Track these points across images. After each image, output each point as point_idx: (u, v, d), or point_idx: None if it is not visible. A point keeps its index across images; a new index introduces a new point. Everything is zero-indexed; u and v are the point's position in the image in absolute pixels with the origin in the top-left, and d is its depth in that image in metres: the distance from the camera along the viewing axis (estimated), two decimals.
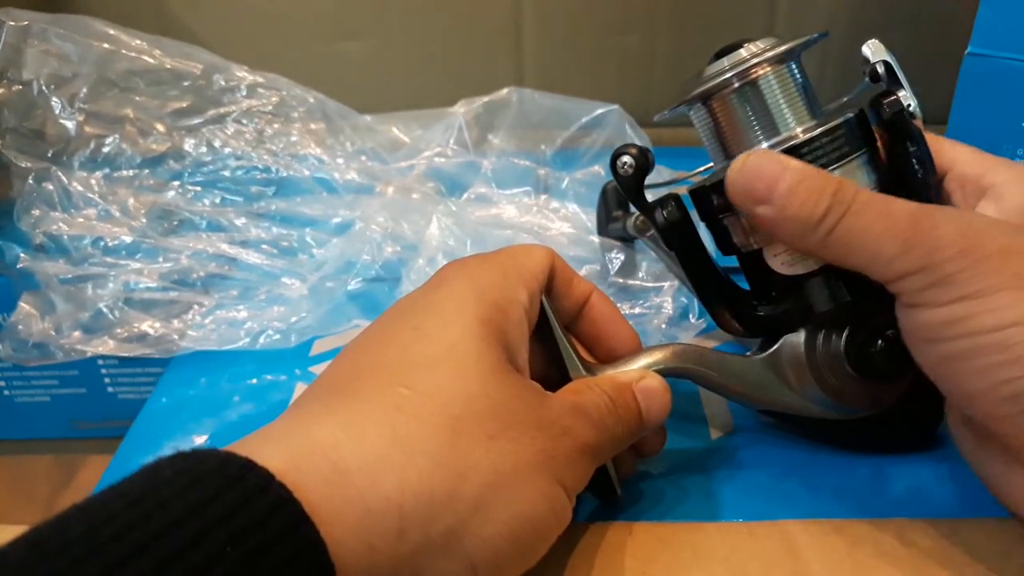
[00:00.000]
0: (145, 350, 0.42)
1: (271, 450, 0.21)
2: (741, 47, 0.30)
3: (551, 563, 0.27)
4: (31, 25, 0.43)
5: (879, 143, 0.30)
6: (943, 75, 0.42)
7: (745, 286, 0.32)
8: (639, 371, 0.29)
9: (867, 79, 0.31)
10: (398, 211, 0.45)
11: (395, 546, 0.21)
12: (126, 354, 0.42)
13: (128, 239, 0.44)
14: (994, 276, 0.24)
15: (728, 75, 0.29)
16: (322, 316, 0.42)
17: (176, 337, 0.42)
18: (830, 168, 0.29)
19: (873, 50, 0.30)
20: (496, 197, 0.47)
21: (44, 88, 0.43)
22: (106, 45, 0.44)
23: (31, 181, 0.43)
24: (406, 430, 0.23)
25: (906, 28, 0.60)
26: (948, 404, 0.30)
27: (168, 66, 0.45)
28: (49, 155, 0.44)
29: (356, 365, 0.26)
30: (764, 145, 0.29)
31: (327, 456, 0.21)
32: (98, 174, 0.45)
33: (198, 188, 0.46)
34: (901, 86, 0.29)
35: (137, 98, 0.45)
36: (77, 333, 0.42)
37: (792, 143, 0.29)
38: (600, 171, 0.49)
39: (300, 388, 0.39)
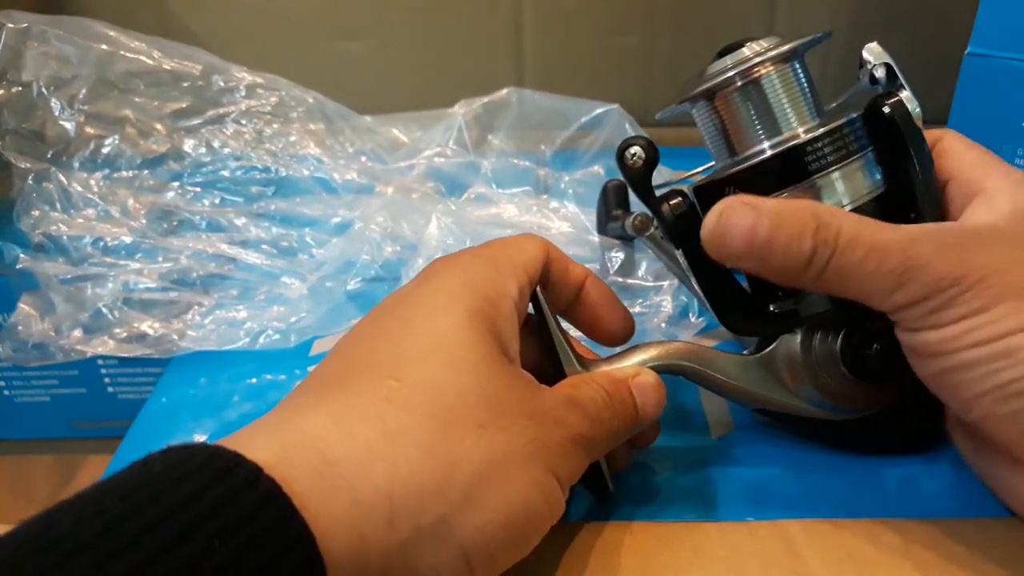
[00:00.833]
0: (145, 350, 0.42)
1: (260, 443, 0.21)
2: (744, 46, 0.30)
3: (550, 562, 0.27)
4: (31, 27, 0.43)
5: (880, 144, 0.30)
6: (943, 75, 0.42)
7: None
8: (635, 367, 0.29)
9: (865, 81, 0.31)
10: (398, 211, 0.45)
11: (386, 536, 0.21)
12: (126, 354, 0.42)
13: (128, 239, 0.44)
14: (990, 292, 0.24)
15: (731, 73, 0.29)
16: (322, 316, 0.42)
17: (176, 337, 0.42)
18: (832, 169, 0.29)
19: (873, 53, 0.30)
20: (496, 197, 0.47)
21: (44, 89, 0.44)
22: (105, 46, 0.44)
23: (31, 182, 0.44)
24: (396, 421, 0.23)
25: (906, 28, 0.60)
26: (948, 411, 0.30)
27: (167, 67, 0.45)
28: (49, 156, 0.44)
29: (347, 359, 0.26)
30: (766, 145, 0.29)
31: (316, 447, 0.21)
32: (98, 175, 0.45)
33: (198, 188, 0.46)
34: (903, 87, 0.29)
35: (136, 99, 0.45)
36: (77, 333, 0.42)
37: (794, 143, 0.29)
38: (600, 171, 0.49)
39: None
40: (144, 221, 0.44)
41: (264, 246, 0.45)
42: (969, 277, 0.25)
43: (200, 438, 0.36)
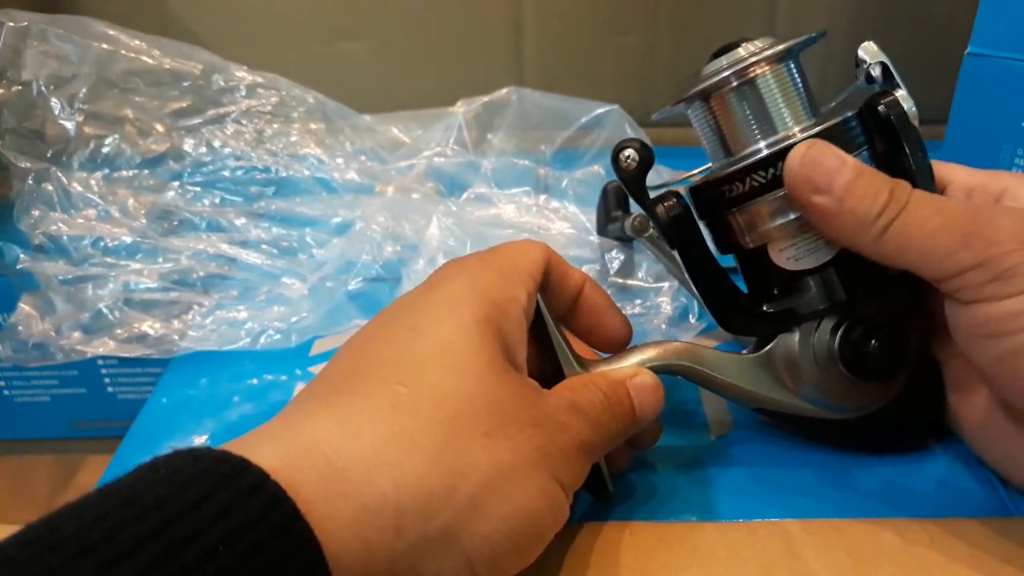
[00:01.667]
0: (145, 350, 0.42)
1: (266, 448, 0.21)
2: (739, 46, 0.30)
3: (550, 562, 0.27)
4: (30, 26, 0.43)
5: (876, 143, 0.30)
6: (943, 75, 0.42)
7: (743, 287, 0.32)
8: (632, 367, 0.29)
9: (862, 80, 0.31)
10: (398, 211, 0.45)
11: (392, 543, 0.21)
12: (126, 355, 0.42)
13: (128, 239, 0.44)
14: None
15: (726, 74, 0.29)
16: (322, 316, 0.42)
17: (176, 337, 0.42)
18: None
19: (869, 52, 0.30)
20: (496, 197, 0.47)
21: (43, 88, 0.44)
22: (105, 45, 0.44)
23: (31, 181, 0.43)
24: (402, 427, 0.23)
25: (906, 28, 0.60)
26: (950, 399, 0.30)
27: (167, 66, 0.45)
28: (49, 155, 0.44)
29: (353, 364, 0.26)
30: (762, 144, 0.29)
31: (322, 452, 0.21)
32: (98, 174, 0.45)
33: (198, 188, 0.46)
34: (898, 86, 0.29)
35: (136, 98, 0.45)
36: (77, 334, 0.42)
37: (789, 142, 0.29)
38: (600, 171, 0.49)
39: (300, 388, 0.39)
40: (144, 221, 0.44)
41: (264, 246, 0.45)
42: None
43: (200, 438, 0.36)
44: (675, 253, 0.31)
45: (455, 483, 0.22)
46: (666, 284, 0.41)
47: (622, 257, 0.41)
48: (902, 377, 0.30)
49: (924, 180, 0.29)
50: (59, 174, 0.44)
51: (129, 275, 0.43)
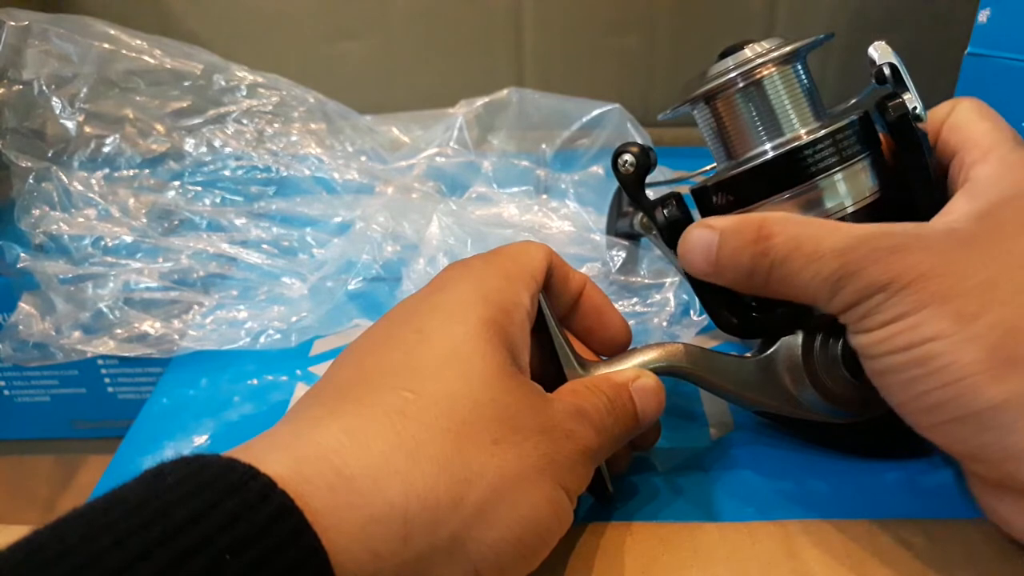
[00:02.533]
0: (145, 350, 0.42)
1: (273, 456, 0.21)
2: (746, 47, 0.30)
3: (552, 563, 0.27)
4: (31, 25, 0.43)
5: (884, 146, 0.30)
6: (943, 75, 0.42)
7: None
8: (634, 370, 0.29)
9: (873, 81, 0.30)
10: (399, 211, 0.45)
11: (399, 553, 0.21)
12: (126, 354, 0.42)
13: (128, 239, 0.44)
14: (913, 298, 0.25)
15: (733, 74, 0.29)
16: (323, 316, 0.42)
17: (176, 337, 0.42)
18: (835, 170, 0.29)
19: (879, 52, 0.30)
20: (496, 197, 0.47)
21: (44, 88, 0.43)
22: (106, 45, 0.44)
23: (31, 181, 0.43)
24: (411, 435, 0.22)
25: (906, 28, 0.60)
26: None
27: (168, 66, 0.45)
28: (49, 155, 0.44)
29: (360, 368, 0.26)
30: (768, 146, 0.29)
31: (331, 462, 0.21)
32: (98, 174, 0.45)
33: (198, 188, 0.46)
34: (907, 88, 0.29)
35: (137, 98, 0.45)
36: (77, 333, 0.42)
37: (795, 144, 0.29)
38: (600, 171, 0.49)
39: (301, 388, 0.39)
40: (145, 220, 0.44)
41: (265, 246, 0.45)
42: (896, 283, 0.25)
43: (200, 439, 0.36)
44: (673, 255, 0.31)
45: (463, 492, 0.22)
46: (668, 281, 0.41)
47: (624, 255, 0.41)
48: None
49: (928, 182, 0.29)
50: (60, 173, 0.44)
51: (129, 275, 0.43)
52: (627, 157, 0.31)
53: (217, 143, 0.46)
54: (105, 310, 0.42)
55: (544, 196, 0.48)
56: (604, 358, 0.32)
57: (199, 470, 0.20)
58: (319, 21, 0.62)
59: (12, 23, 0.43)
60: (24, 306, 0.42)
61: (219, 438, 0.36)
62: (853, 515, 0.29)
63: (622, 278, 0.41)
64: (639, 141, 0.33)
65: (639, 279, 0.41)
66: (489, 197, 0.47)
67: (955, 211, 0.27)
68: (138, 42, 0.45)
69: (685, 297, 0.41)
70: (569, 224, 0.45)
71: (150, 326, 0.42)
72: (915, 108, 0.29)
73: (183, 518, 0.18)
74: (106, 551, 0.17)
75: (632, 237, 0.42)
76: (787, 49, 0.29)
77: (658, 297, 0.40)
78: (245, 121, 0.47)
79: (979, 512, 0.28)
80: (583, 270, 0.42)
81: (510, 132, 0.50)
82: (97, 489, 0.33)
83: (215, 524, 0.18)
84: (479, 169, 0.48)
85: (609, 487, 0.30)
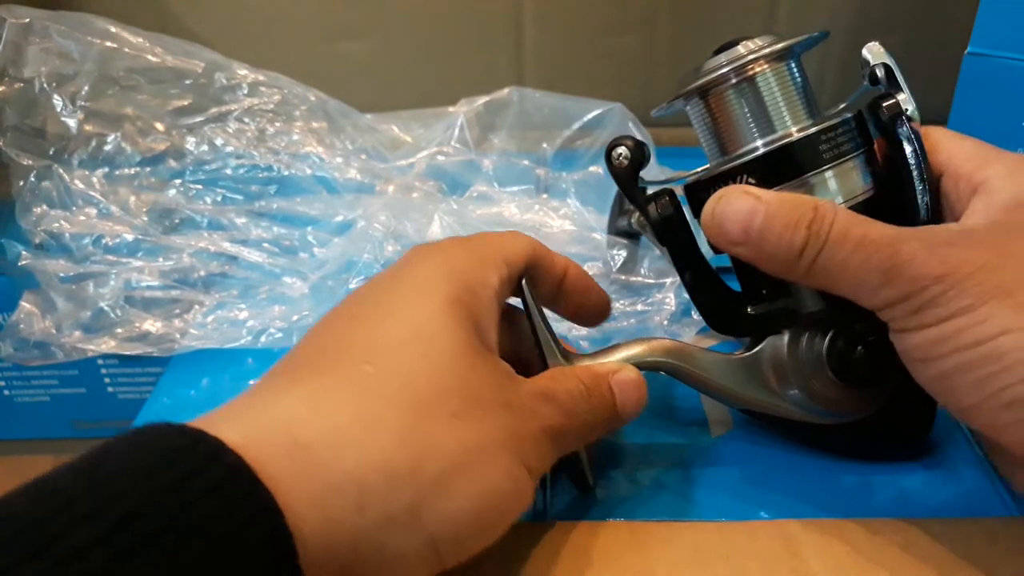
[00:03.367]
0: (146, 349, 0.42)
1: (230, 424, 0.21)
2: (740, 44, 0.30)
3: (551, 559, 0.27)
4: (32, 22, 0.43)
5: (876, 145, 0.30)
6: (943, 75, 0.42)
7: (736, 287, 0.32)
8: (617, 363, 0.29)
9: (866, 82, 0.31)
10: (399, 210, 0.45)
11: (355, 520, 0.21)
12: (127, 353, 0.42)
13: (129, 237, 0.44)
14: (976, 291, 0.24)
15: (725, 70, 0.29)
16: (323, 315, 0.42)
17: (177, 336, 0.42)
18: (825, 167, 0.29)
19: (873, 53, 0.30)
20: (497, 196, 0.47)
21: (45, 86, 0.44)
22: (107, 43, 0.44)
23: (32, 179, 0.44)
24: (369, 407, 0.22)
25: (906, 28, 0.60)
26: None
27: (169, 64, 0.45)
28: (50, 153, 0.44)
29: (322, 342, 0.26)
30: (759, 142, 0.29)
31: (288, 430, 0.21)
32: (99, 172, 0.45)
33: (199, 187, 0.46)
34: (900, 89, 0.30)
35: (138, 96, 0.45)
36: (78, 332, 0.42)
37: (787, 141, 0.29)
38: (600, 170, 0.49)
39: None
40: (146, 219, 0.44)
41: (266, 245, 0.45)
42: (955, 274, 0.24)
43: None
44: (665, 251, 0.31)
45: (420, 463, 0.22)
46: (668, 280, 0.41)
47: (624, 254, 0.41)
48: (890, 385, 0.30)
49: (921, 183, 0.29)
50: (60, 172, 0.44)
51: (130, 273, 0.43)
52: (621, 150, 0.30)
53: (218, 142, 0.46)
54: (106, 309, 0.42)
55: (544, 195, 0.48)
56: (586, 351, 0.32)
57: (152, 438, 0.19)
58: (320, 21, 0.62)
59: (13, 20, 0.43)
60: (25, 305, 0.42)
61: None
62: (853, 514, 0.29)
63: (623, 277, 0.41)
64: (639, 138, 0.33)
65: (640, 278, 0.41)
66: (490, 196, 0.47)
67: (982, 210, 0.27)
68: (139, 40, 0.45)
69: (685, 296, 0.41)
70: (570, 223, 0.45)
71: (151, 325, 0.42)
72: (908, 108, 0.29)
73: (131, 480, 0.18)
74: (52, 514, 0.17)
75: (633, 236, 0.42)
76: (780, 46, 0.29)
77: (658, 296, 0.40)
78: (246, 120, 0.47)
79: (980, 511, 0.28)
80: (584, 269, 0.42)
81: (511, 131, 0.50)
82: None
83: (165, 485, 0.18)
84: (480, 168, 0.48)
85: (590, 480, 0.30)
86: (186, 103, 0.46)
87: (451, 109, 0.50)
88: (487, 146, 0.50)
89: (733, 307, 0.31)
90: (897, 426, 0.31)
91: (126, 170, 0.45)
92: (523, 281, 0.30)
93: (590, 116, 0.49)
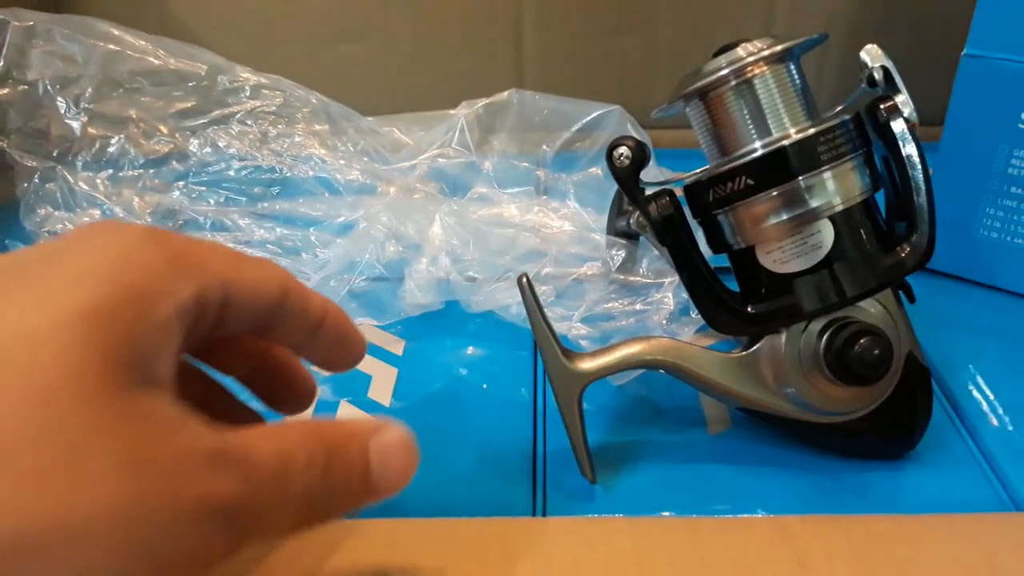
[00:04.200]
0: None
1: None
2: (739, 46, 0.30)
3: (550, 557, 0.27)
4: (36, 25, 0.43)
5: (874, 147, 0.30)
6: (940, 76, 0.43)
7: (734, 287, 0.32)
8: (380, 421, 0.23)
9: (864, 84, 0.31)
10: (401, 211, 0.45)
11: None
12: None
13: None
14: None
15: (724, 72, 0.29)
16: None
17: None
18: (823, 169, 0.29)
19: (871, 55, 0.30)
20: (498, 197, 0.48)
21: (49, 88, 0.44)
22: (111, 46, 0.45)
23: (36, 181, 0.44)
24: None
25: (903, 30, 0.61)
26: None
27: (172, 67, 0.46)
28: (54, 155, 0.44)
29: None
30: (758, 144, 0.30)
31: None
32: (103, 174, 0.45)
33: (202, 188, 0.46)
34: (898, 91, 0.30)
35: (142, 98, 0.45)
36: None
37: (784, 142, 0.29)
38: (600, 172, 0.49)
39: None
40: (149, 221, 0.44)
41: (269, 246, 0.45)
42: None
43: None
44: (665, 250, 0.31)
45: None
46: (667, 280, 0.41)
47: (623, 254, 0.42)
48: (885, 384, 0.30)
49: (918, 184, 0.30)
50: (64, 173, 0.44)
51: None
52: (623, 150, 0.31)
53: (221, 144, 0.46)
54: None
55: (544, 196, 0.48)
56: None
57: None
58: (322, 23, 0.63)
59: (16, 23, 0.43)
60: None
61: None
62: (854, 510, 0.30)
63: (622, 277, 0.42)
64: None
65: (638, 278, 0.42)
66: (490, 197, 0.48)
67: None
68: (142, 43, 0.45)
69: (685, 296, 0.41)
70: (569, 224, 0.46)
71: None
72: (907, 110, 0.29)
73: None
74: None
75: (631, 236, 0.42)
76: (779, 48, 0.29)
77: (657, 295, 0.41)
78: (249, 122, 0.47)
79: (980, 508, 0.28)
80: (583, 269, 0.43)
81: (511, 133, 0.50)
82: None
83: None
84: (480, 170, 0.49)
85: (591, 475, 0.30)
86: (189, 105, 0.46)
87: (452, 112, 0.50)
88: (487, 148, 0.50)
89: (732, 306, 0.31)
90: (892, 424, 0.32)
91: (130, 172, 0.45)
92: (524, 279, 0.30)
93: (589, 118, 0.49)
